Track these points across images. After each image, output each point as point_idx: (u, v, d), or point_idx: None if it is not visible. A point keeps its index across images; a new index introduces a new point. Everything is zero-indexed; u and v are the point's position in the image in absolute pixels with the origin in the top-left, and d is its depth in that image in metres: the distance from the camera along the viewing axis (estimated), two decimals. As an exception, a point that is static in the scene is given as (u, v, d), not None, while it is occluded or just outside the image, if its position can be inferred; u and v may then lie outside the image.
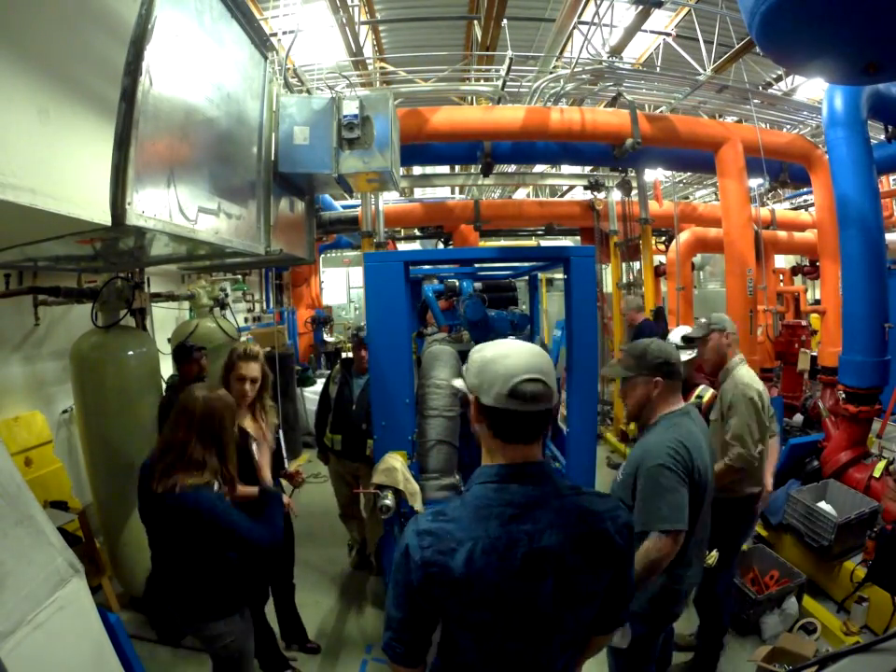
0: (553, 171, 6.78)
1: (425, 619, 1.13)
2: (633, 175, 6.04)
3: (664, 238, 8.64)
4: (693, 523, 1.77)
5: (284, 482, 2.79)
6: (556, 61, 4.77)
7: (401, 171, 4.58)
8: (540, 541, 1.07)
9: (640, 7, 4.57)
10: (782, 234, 7.53)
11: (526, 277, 5.24)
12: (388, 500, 2.45)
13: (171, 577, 1.93)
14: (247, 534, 1.85)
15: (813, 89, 6.61)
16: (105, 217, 1.45)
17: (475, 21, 5.34)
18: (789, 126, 6.01)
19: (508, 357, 1.11)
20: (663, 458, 1.73)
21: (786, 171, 5.52)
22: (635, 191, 6.17)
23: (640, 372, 1.89)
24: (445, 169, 7.10)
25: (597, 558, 1.11)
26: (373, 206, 5.59)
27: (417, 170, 8.07)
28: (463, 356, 3.50)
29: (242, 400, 2.45)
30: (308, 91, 4.27)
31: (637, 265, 6.37)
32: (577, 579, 1.10)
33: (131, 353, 3.04)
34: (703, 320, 2.89)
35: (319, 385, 6.80)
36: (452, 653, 1.17)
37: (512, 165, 6.44)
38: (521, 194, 10.08)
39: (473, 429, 1.19)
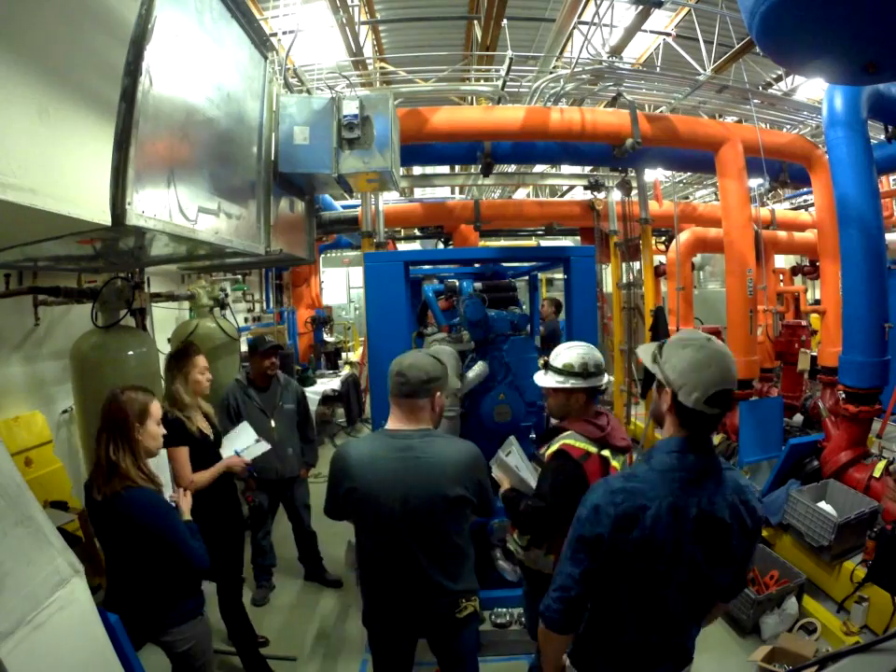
0: (553, 171, 6.78)
1: (596, 577, 1.30)
2: (633, 175, 6.04)
3: (664, 238, 8.64)
4: None
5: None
6: (556, 61, 4.77)
7: (401, 171, 4.58)
8: (710, 506, 1.26)
9: (640, 7, 4.58)
10: (782, 234, 7.53)
11: (526, 277, 5.25)
12: None
13: (129, 585, 1.93)
14: (187, 549, 1.88)
15: (813, 89, 6.62)
16: (104, 217, 1.45)
17: (475, 21, 5.35)
18: (789, 126, 6.01)
19: (711, 366, 1.25)
20: None
21: (786, 171, 5.52)
22: (635, 191, 6.17)
23: None
24: (445, 169, 7.09)
25: (745, 526, 1.30)
26: (373, 206, 5.59)
27: (417, 170, 8.07)
28: (463, 356, 3.53)
29: (203, 392, 2.70)
30: (308, 91, 4.27)
31: (637, 265, 6.37)
32: (731, 542, 1.29)
33: (131, 353, 3.04)
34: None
35: (320, 385, 6.80)
36: (604, 607, 1.36)
37: (512, 165, 6.43)
38: (521, 194, 10.07)
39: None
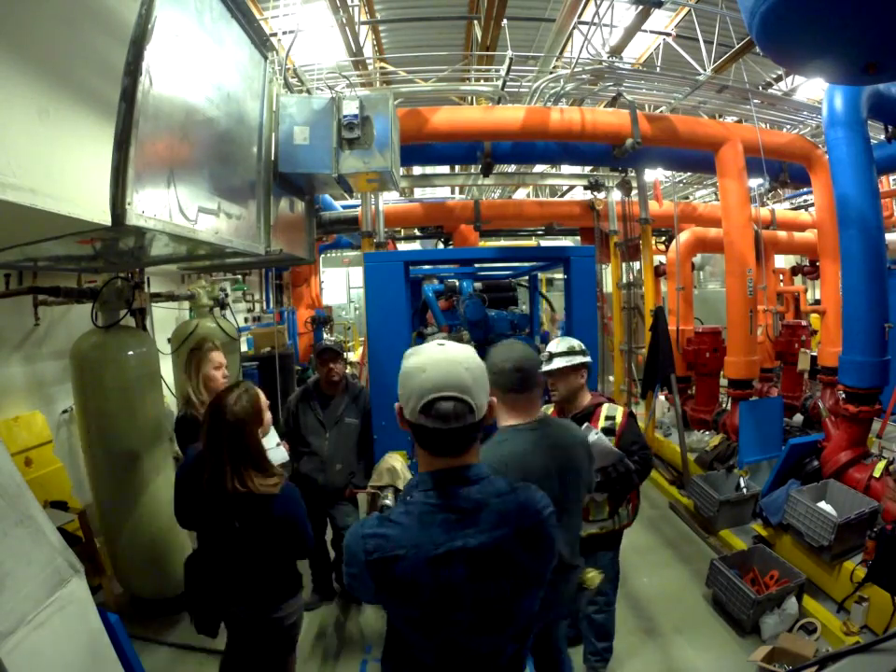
0: (553, 171, 6.78)
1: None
2: (633, 174, 6.04)
3: (664, 238, 8.64)
4: None
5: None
6: (556, 61, 4.77)
7: (401, 171, 4.58)
8: (486, 544, 1.09)
9: (640, 7, 4.58)
10: (782, 234, 7.53)
11: (526, 277, 5.26)
12: (388, 500, 2.45)
13: (243, 570, 1.96)
14: (309, 538, 2.02)
15: (813, 89, 6.62)
16: (104, 217, 1.45)
17: (475, 21, 5.35)
18: (789, 126, 6.01)
19: (424, 370, 1.10)
20: None
21: (786, 171, 5.52)
22: (635, 191, 6.17)
23: None
24: (445, 169, 7.09)
25: (540, 547, 1.16)
26: (373, 206, 5.58)
27: (417, 170, 8.06)
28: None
29: (218, 389, 2.64)
30: (308, 91, 4.27)
31: (636, 265, 6.37)
32: (526, 572, 1.14)
33: (131, 353, 3.04)
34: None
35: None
36: (403, 651, 1.20)
37: (512, 165, 6.43)
38: (521, 194, 10.07)
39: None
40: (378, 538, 1.09)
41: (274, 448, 2.74)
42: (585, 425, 2.32)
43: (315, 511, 3.39)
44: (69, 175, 1.33)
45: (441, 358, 1.11)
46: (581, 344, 2.52)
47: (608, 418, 2.45)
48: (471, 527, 1.09)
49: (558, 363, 2.44)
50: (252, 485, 1.84)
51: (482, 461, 1.54)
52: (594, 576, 1.98)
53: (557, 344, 2.52)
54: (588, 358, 2.49)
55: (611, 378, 6.75)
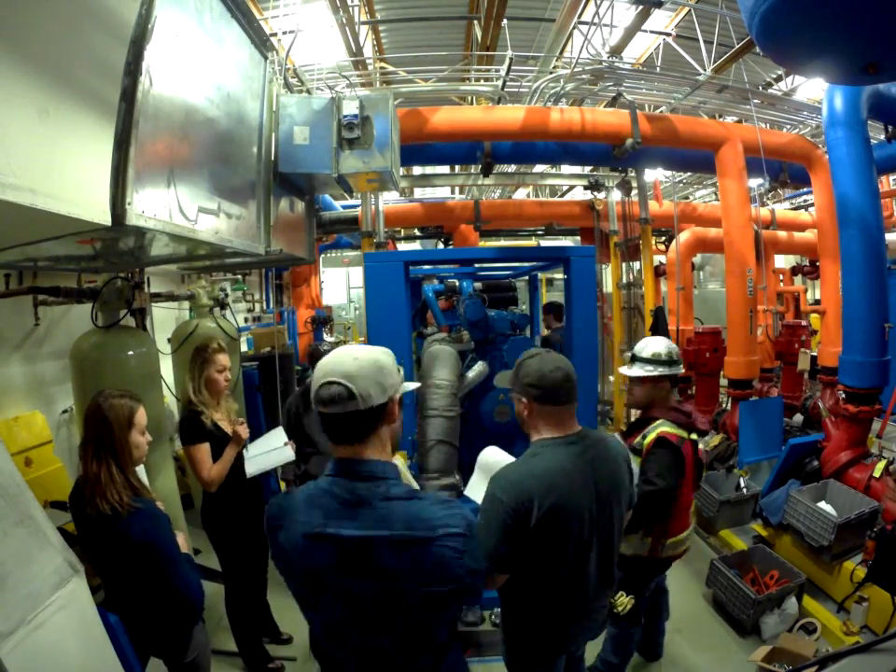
0: (553, 171, 6.78)
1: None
2: (633, 175, 6.04)
3: (664, 238, 8.64)
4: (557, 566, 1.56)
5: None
6: (556, 61, 4.77)
7: (401, 171, 4.58)
8: (355, 538, 1.11)
9: (640, 7, 4.58)
10: (782, 234, 7.53)
11: (526, 277, 5.26)
12: None
13: (130, 597, 1.86)
14: (178, 579, 1.79)
15: (813, 89, 6.62)
16: (104, 217, 1.45)
17: (475, 21, 5.35)
18: (789, 126, 6.01)
19: (324, 363, 1.18)
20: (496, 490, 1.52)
21: (786, 171, 5.51)
22: (635, 191, 6.17)
23: (515, 388, 1.69)
24: (445, 169, 7.08)
25: (422, 566, 1.10)
26: (373, 206, 5.59)
27: (417, 170, 8.06)
28: (463, 356, 3.53)
29: (224, 392, 2.69)
30: (308, 91, 4.27)
31: (637, 265, 6.37)
32: (397, 582, 1.11)
33: (131, 353, 3.04)
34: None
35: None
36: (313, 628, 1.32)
37: (512, 165, 6.43)
38: (521, 194, 10.07)
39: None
40: (276, 505, 1.21)
41: (281, 447, 2.75)
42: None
43: None
44: (69, 174, 1.32)
45: (342, 351, 1.20)
46: (673, 351, 2.31)
47: (643, 436, 2.26)
48: (347, 519, 1.12)
49: (636, 371, 2.28)
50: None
51: (511, 477, 1.53)
52: (625, 601, 1.90)
53: (644, 347, 2.33)
54: (673, 370, 2.29)
55: (611, 378, 6.74)
